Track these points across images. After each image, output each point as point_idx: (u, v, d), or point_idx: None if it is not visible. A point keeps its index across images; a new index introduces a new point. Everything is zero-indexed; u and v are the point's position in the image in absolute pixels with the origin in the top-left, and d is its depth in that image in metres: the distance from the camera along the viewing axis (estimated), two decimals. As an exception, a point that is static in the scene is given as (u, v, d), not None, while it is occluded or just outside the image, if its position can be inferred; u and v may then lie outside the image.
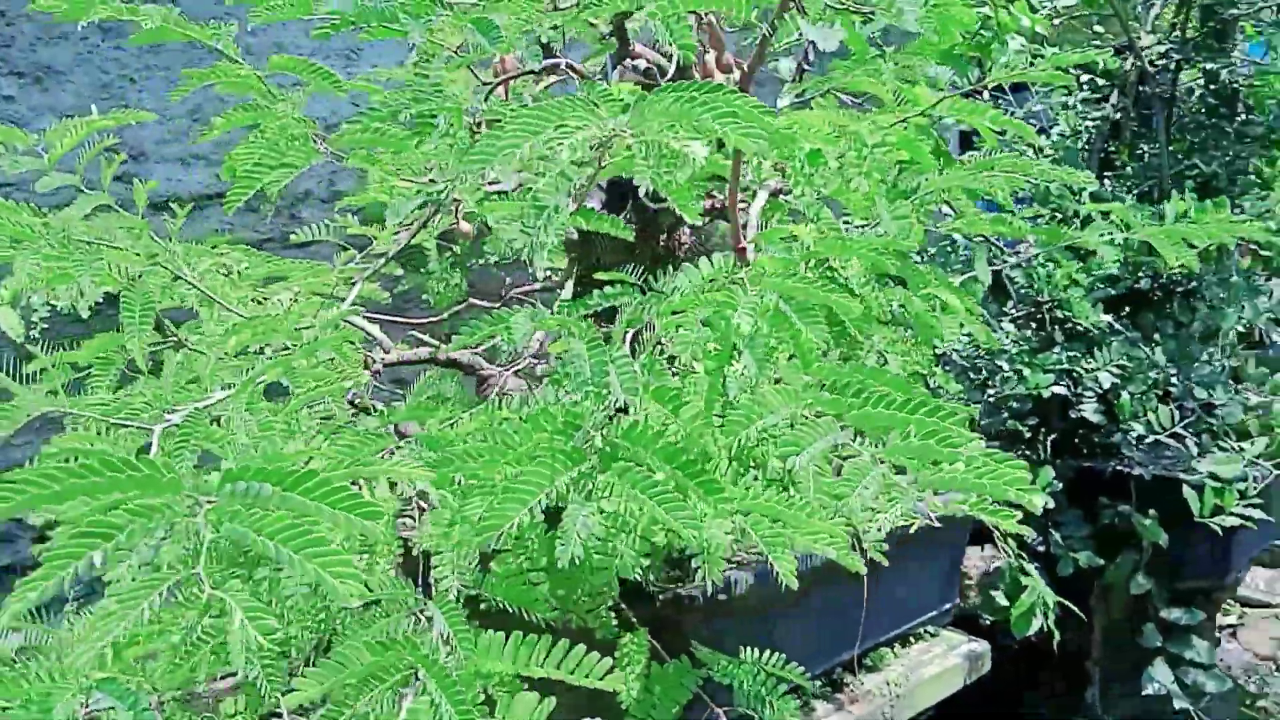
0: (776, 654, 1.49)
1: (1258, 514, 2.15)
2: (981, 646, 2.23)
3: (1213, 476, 2.28)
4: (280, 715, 1.40)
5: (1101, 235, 1.95)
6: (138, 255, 1.41)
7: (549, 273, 2.35)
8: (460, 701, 1.01)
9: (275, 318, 1.51)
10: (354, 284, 1.60)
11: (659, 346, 1.28)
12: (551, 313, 1.56)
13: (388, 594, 1.13)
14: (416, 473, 1.03)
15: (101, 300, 1.75)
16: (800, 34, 1.30)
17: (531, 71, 1.33)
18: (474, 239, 2.11)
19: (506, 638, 1.09)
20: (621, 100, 0.87)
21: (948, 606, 2.26)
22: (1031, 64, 1.44)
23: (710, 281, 1.12)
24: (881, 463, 1.02)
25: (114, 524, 0.75)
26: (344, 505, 0.78)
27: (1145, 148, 2.99)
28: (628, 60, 1.38)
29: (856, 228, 1.54)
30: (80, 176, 1.70)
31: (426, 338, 1.91)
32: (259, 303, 1.72)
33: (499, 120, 1.26)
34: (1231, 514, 2.15)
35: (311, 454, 0.98)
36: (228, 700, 1.45)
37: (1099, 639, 2.96)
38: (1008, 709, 2.94)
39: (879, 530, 1.01)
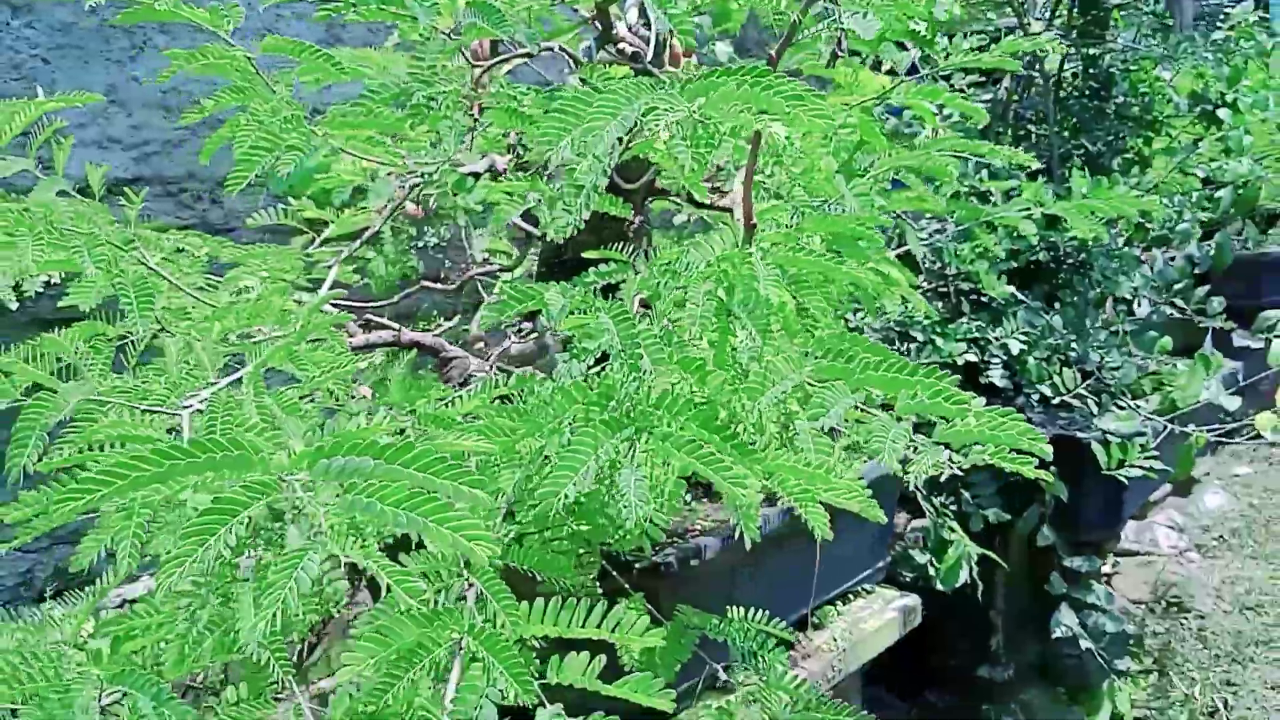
0: (762, 611, 1.57)
1: (1158, 465, 2.34)
2: (913, 600, 2.37)
3: (1112, 433, 2.46)
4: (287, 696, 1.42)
5: (1021, 211, 2.10)
6: (115, 243, 1.38)
7: (486, 255, 2.38)
8: (514, 665, 1.05)
9: (258, 303, 1.51)
10: (330, 267, 1.60)
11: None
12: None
13: (421, 567, 1.16)
14: (481, 445, 1.06)
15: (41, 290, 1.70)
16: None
17: (527, 55, 1.36)
18: (419, 222, 2.12)
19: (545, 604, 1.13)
20: (681, 83, 0.93)
21: (881, 565, 2.39)
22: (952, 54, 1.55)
23: (722, 258, 1.18)
24: (900, 420, 1.11)
25: (239, 501, 0.77)
26: (450, 475, 0.82)
27: (1032, 128, 3.18)
28: (610, 44, 1.43)
29: (817, 204, 1.62)
30: (34, 159, 1.65)
31: (385, 320, 1.91)
32: (202, 289, 1.70)
33: (502, 104, 1.29)
34: (1134, 466, 2.34)
35: (376, 431, 1.00)
36: (229, 689, 1.45)
37: (1002, 590, 3.15)
38: (919, 660, 3.11)
39: (916, 479, 1.10)
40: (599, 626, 1.13)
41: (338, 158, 1.71)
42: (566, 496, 1.02)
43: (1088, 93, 3.13)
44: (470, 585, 1.16)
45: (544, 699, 1.06)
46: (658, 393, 1.11)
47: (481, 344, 2.06)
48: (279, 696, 1.37)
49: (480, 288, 2.33)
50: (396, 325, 1.86)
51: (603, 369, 1.17)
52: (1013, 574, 3.18)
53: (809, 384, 1.23)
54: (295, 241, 1.90)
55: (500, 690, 1.05)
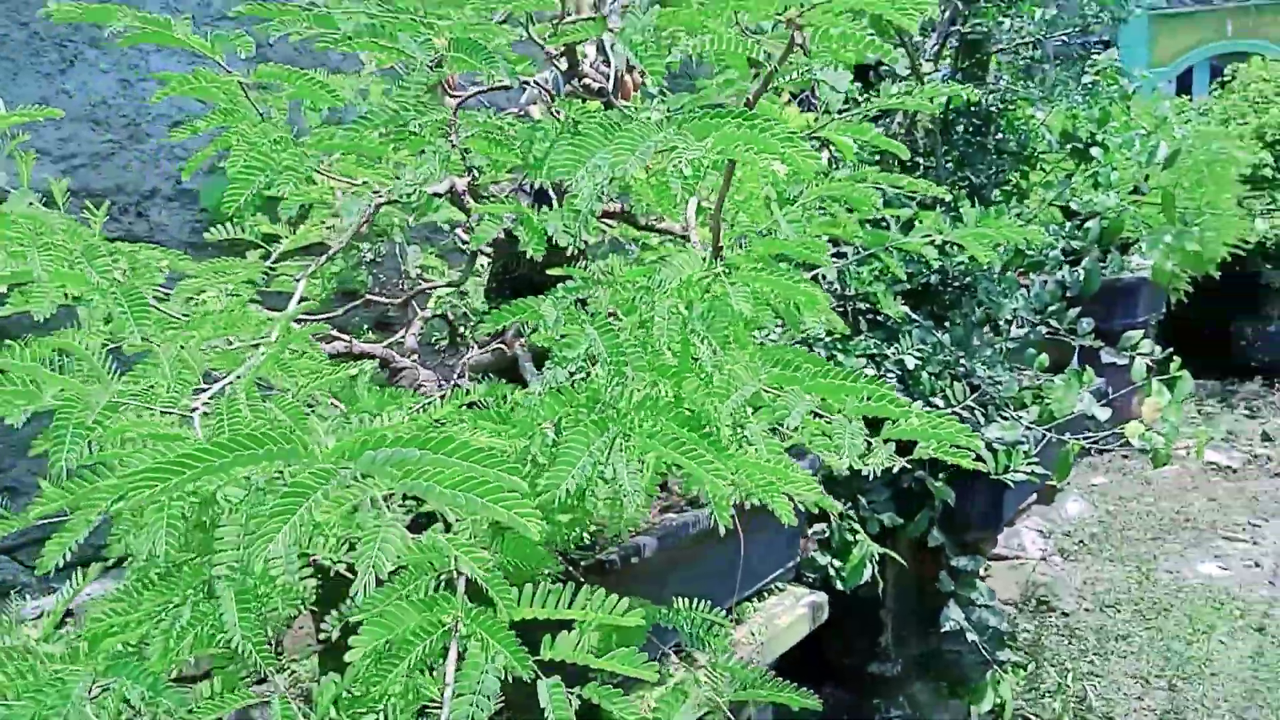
0: (704, 601, 1.71)
1: (1040, 469, 2.58)
2: (821, 598, 2.54)
3: (997, 441, 2.69)
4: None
5: (924, 237, 2.29)
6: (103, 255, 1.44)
7: (419, 270, 2.47)
8: (511, 644, 1.16)
9: (232, 314, 1.58)
10: (298, 281, 1.67)
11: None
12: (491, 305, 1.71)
13: (412, 558, 1.25)
14: (496, 443, 1.17)
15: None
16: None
17: (504, 86, 1.48)
18: (358, 238, 2.19)
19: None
20: (682, 122, 1.06)
21: (791, 564, 2.56)
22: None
23: (695, 276, 1.32)
24: (851, 421, 1.26)
25: (307, 485, 0.86)
26: (491, 463, 0.93)
27: (920, 160, 3.43)
28: (576, 79, 1.55)
29: (762, 230, 1.78)
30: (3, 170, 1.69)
31: (334, 332, 1.98)
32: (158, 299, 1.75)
33: (483, 133, 1.40)
34: (1017, 470, 2.56)
35: (399, 429, 1.10)
36: (203, 684, 1.51)
37: (891, 590, 3.37)
38: (814, 658, 3.30)
39: (874, 472, 1.25)
40: (583, 609, 1.24)
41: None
42: (567, 490, 1.13)
43: (970, 129, 3.39)
44: (459, 574, 1.26)
45: (539, 673, 1.17)
46: (639, 396, 1.24)
47: (414, 355, 2.15)
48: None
49: (414, 301, 2.41)
50: (347, 337, 1.94)
51: (586, 375, 1.29)
52: (900, 576, 3.41)
53: (764, 390, 1.37)
54: (251, 256, 1.96)
55: (500, 667, 1.16)
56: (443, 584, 1.27)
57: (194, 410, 1.23)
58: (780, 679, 1.62)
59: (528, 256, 1.72)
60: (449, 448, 0.94)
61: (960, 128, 3.37)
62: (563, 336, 1.33)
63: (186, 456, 0.90)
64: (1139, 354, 2.92)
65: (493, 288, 1.91)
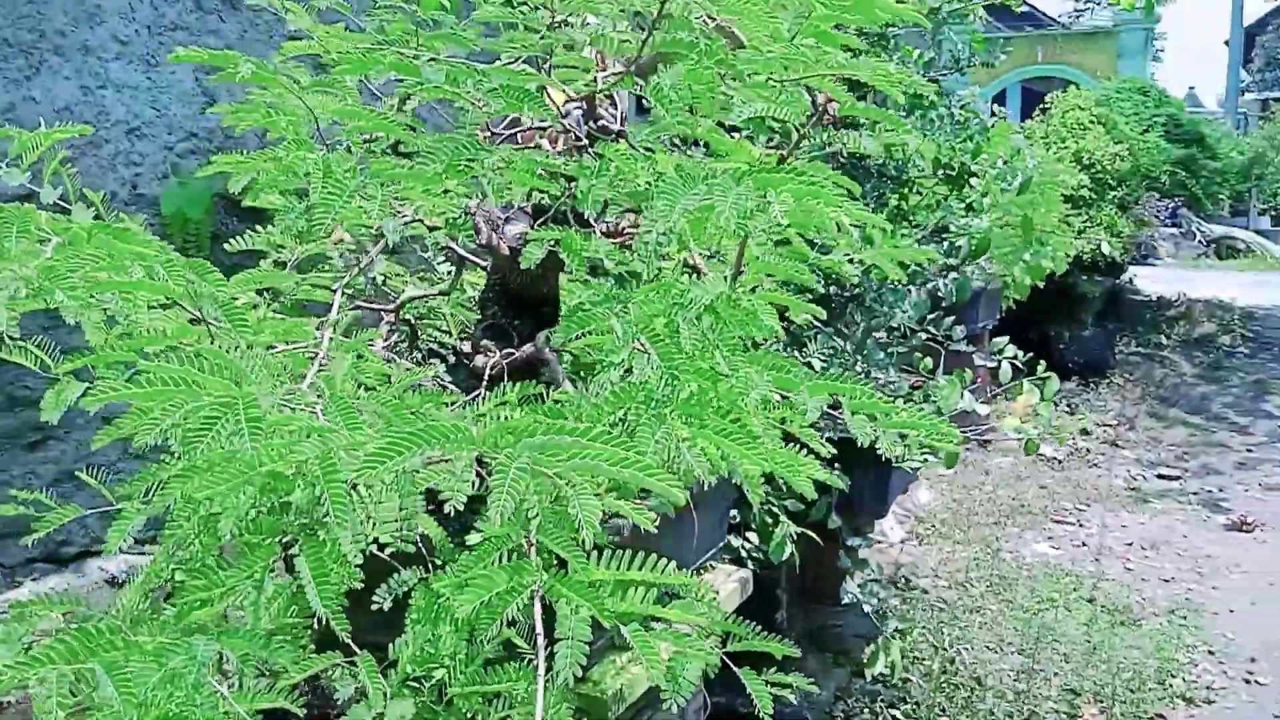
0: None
1: (932, 458, 2.96)
2: (746, 573, 2.85)
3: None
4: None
5: (844, 255, 2.63)
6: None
7: (384, 277, 2.65)
8: (596, 601, 1.41)
9: (289, 324, 1.75)
10: (334, 290, 1.86)
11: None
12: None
13: (498, 532, 1.48)
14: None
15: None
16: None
17: (541, 127, 1.71)
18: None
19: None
20: (751, 174, 1.33)
21: (723, 543, 2.86)
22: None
23: (721, 296, 1.59)
24: (854, 414, 1.56)
25: (505, 463, 1.09)
26: (626, 446, 1.18)
27: (811, 181, 3.78)
28: (593, 121, 1.80)
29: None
30: (51, 184, 1.81)
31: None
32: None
33: (526, 166, 1.64)
34: (913, 457, 2.94)
35: (525, 421, 1.32)
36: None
37: (786, 570, 3.72)
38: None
39: (888, 455, 1.55)
40: (640, 570, 1.50)
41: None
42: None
43: (852, 155, 3.76)
44: (530, 545, 1.50)
45: (620, 621, 1.42)
46: (684, 395, 1.50)
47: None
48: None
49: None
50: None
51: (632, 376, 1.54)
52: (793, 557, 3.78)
53: (770, 391, 1.66)
54: (264, 265, 2.11)
55: (586, 617, 1.40)
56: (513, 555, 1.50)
57: (315, 407, 1.43)
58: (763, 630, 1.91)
59: (523, 271, 1.95)
60: (589, 435, 1.19)
61: (844, 153, 3.74)
62: (598, 346, 1.57)
63: (393, 443, 1.11)
64: (1004, 357, 3.36)
65: (488, 298, 2.13)
